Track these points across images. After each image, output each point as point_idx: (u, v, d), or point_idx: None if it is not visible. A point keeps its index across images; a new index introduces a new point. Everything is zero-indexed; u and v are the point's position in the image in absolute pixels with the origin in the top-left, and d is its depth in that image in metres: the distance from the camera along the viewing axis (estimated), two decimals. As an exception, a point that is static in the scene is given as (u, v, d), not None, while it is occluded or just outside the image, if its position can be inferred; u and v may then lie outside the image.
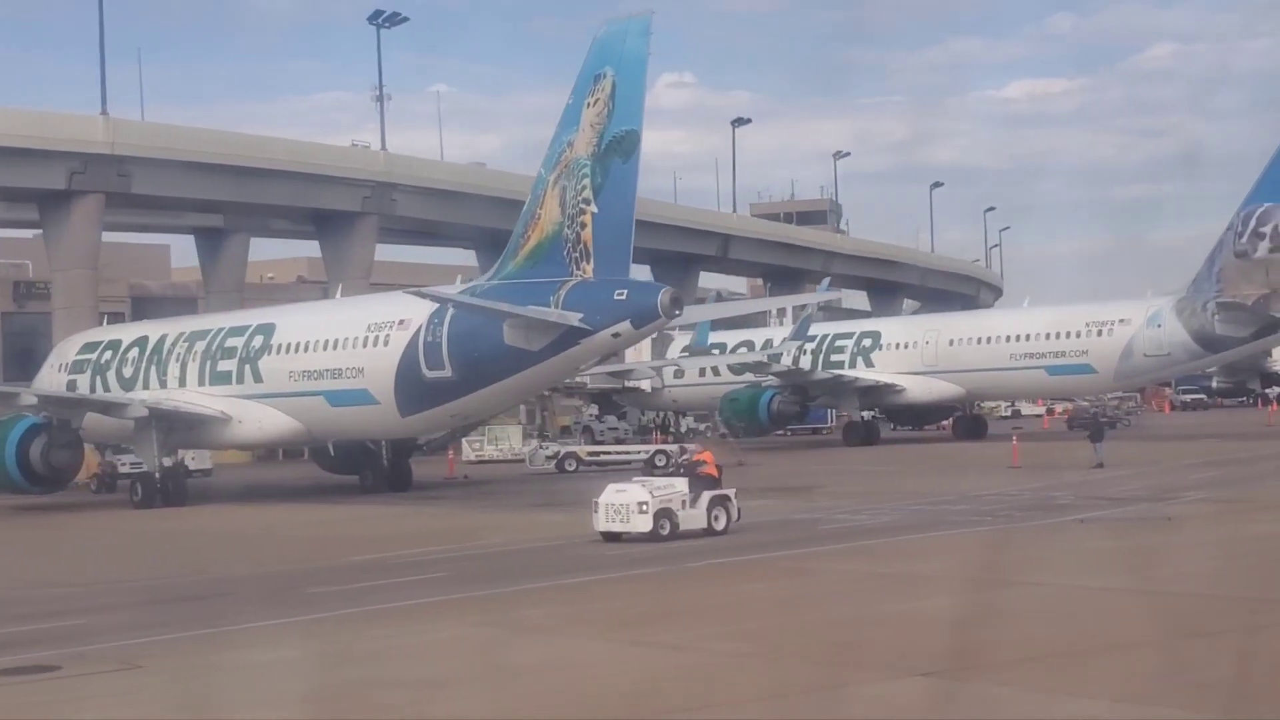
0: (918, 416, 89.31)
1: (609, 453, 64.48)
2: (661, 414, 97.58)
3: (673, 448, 66.13)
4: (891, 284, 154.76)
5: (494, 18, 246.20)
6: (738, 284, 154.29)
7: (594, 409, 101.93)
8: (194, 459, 66.72)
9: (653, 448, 64.93)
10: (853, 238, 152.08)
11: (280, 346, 50.80)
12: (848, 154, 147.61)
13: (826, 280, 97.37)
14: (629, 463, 63.45)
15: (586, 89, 43.30)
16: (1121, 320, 75.66)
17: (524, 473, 62.65)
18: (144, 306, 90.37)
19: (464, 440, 74.58)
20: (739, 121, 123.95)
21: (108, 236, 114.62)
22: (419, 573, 27.27)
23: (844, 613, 21.49)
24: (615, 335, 42.90)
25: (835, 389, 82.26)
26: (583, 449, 63.81)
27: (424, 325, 45.75)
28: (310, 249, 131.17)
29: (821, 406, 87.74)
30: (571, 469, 62.22)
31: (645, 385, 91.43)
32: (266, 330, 51.78)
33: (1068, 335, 77.19)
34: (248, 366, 51.35)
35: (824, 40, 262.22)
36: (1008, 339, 79.51)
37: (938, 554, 28.25)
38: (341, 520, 43.28)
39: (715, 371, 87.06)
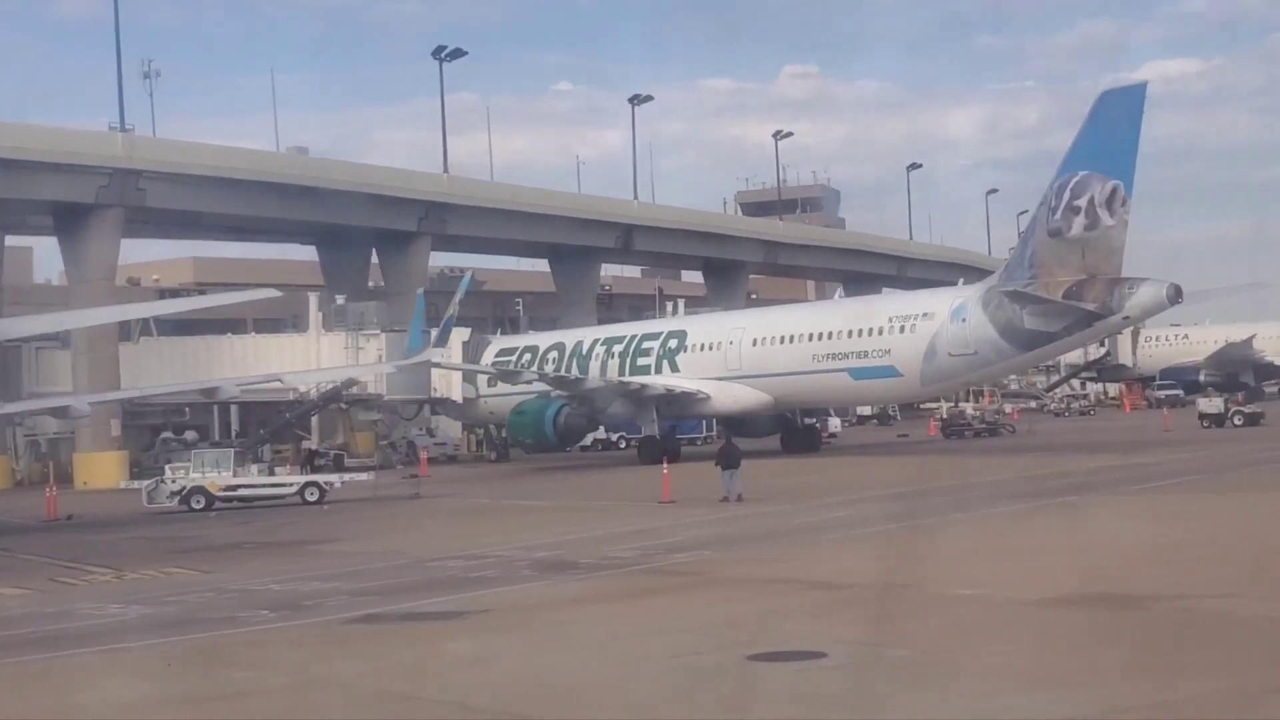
0: (759, 427, 77.97)
1: (252, 485, 53.61)
2: (485, 428, 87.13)
3: (333, 477, 55.96)
4: (863, 275, 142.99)
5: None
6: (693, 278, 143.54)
7: (433, 423, 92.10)
8: None
9: (303, 479, 54.31)
10: (798, 226, 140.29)
11: None
12: (790, 134, 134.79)
13: (469, 274, 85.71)
14: (281, 497, 53.25)
15: None
16: (925, 314, 64.24)
17: (142, 512, 52.29)
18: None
19: (167, 467, 64.60)
20: (637, 99, 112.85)
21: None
22: None
23: None
24: None
25: (625, 398, 71.33)
26: (214, 482, 52.91)
27: None
28: (199, 249, 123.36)
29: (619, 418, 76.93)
30: (199, 507, 51.96)
31: (456, 395, 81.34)
32: None
33: (870, 333, 65.78)
34: None
35: (953, 26, 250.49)
36: (810, 338, 68.20)
37: None
38: None
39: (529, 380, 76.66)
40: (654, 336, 74.96)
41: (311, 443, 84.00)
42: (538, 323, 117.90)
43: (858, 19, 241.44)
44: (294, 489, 53.28)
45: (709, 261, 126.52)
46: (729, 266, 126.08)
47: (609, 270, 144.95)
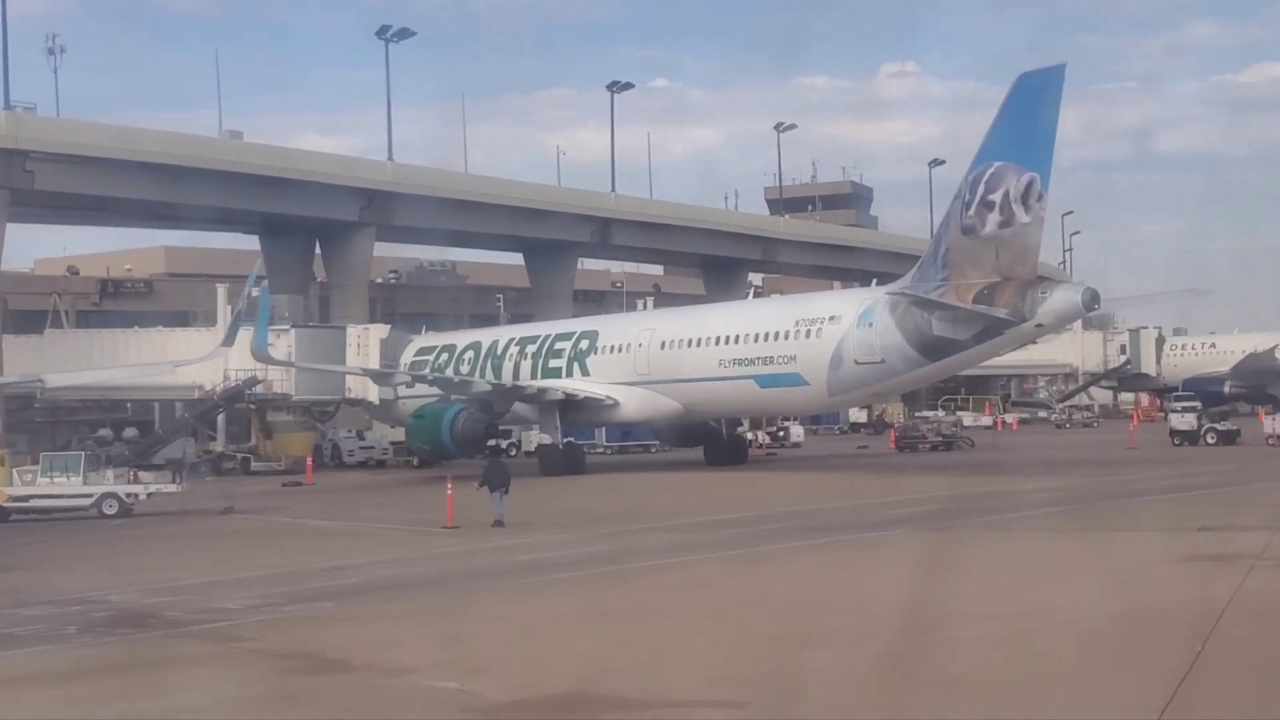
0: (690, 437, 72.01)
1: (46, 496, 48.29)
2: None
3: (137, 488, 50.58)
4: (880, 274, 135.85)
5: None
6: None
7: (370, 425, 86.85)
8: None
9: (102, 489, 48.90)
10: (796, 222, 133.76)
11: None
12: (793, 126, 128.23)
13: (258, 265, 79.52)
14: (81, 509, 47.99)
15: None
16: (831, 318, 58.05)
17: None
18: None
19: (14, 471, 59.63)
20: (615, 86, 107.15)
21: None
22: None
23: None
24: None
25: (526, 403, 65.70)
26: (2, 492, 47.81)
27: None
28: (173, 238, 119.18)
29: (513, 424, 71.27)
30: (-13, 518, 47.07)
31: (373, 396, 75.90)
32: None
33: (777, 337, 59.72)
34: None
35: (1054, 25, 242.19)
36: (717, 341, 62.19)
37: None
38: None
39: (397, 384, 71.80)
40: (566, 337, 69.15)
41: (218, 444, 79.05)
42: (519, 318, 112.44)
43: (954, 18, 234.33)
44: (91, 499, 48.08)
45: (706, 258, 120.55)
46: (726, 263, 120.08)
47: (625, 267, 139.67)
